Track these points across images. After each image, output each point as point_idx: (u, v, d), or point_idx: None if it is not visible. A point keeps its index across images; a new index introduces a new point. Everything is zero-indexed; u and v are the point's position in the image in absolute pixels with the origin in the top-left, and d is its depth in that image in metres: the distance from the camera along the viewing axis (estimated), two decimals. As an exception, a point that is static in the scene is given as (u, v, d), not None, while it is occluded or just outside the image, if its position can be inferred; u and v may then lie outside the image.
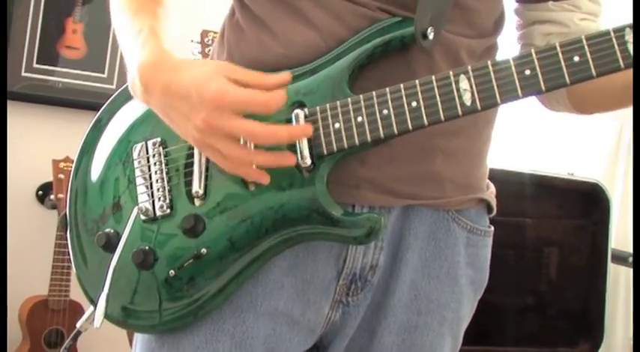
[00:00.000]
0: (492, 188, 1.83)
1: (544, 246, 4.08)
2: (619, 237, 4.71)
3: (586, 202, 4.13)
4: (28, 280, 3.70)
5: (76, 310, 3.65)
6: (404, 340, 1.71)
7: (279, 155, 1.49)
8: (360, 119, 1.50)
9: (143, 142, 1.64)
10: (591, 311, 4.11)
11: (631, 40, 1.41)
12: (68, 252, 1.72)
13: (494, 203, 1.81)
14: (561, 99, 1.79)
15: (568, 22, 1.79)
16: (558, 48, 1.44)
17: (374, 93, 1.50)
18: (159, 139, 1.61)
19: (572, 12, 1.79)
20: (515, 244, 3.95)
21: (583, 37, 1.43)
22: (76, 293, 3.64)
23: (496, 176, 1.85)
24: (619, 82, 1.56)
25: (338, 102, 1.52)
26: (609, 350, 4.45)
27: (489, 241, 1.82)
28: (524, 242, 4.01)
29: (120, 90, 1.73)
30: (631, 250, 4.60)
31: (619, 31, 1.41)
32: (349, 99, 1.52)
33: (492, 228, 1.83)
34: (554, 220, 4.09)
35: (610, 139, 5.02)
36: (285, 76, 1.51)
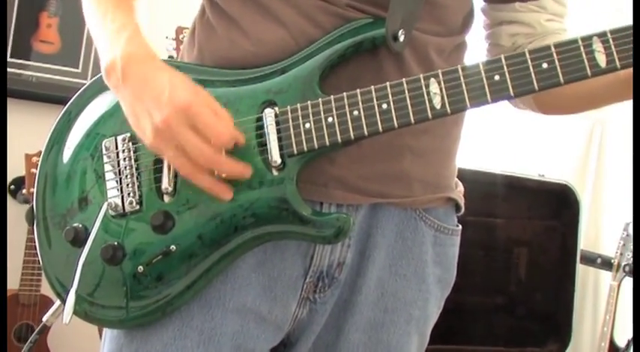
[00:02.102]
0: (461, 187, 1.84)
1: (514, 246, 4.10)
2: (588, 239, 4.74)
3: (556, 203, 4.15)
4: (-1, 274, 3.70)
5: (47, 304, 3.64)
6: (370, 337, 1.72)
7: (214, 185, 1.51)
8: (330, 120, 1.52)
9: (113, 137, 1.63)
10: (560, 312, 4.13)
11: (598, 48, 1.44)
12: (37, 246, 1.72)
13: (462, 202, 1.82)
14: (526, 100, 1.80)
15: (534, 23, 1.81)
16: (527, 54, 1.47)
17: (345, 94, 1.51)
18: (128, 135, 1.61)
19: (539, 13, 1.81)
20: (485, 244, 3.96)
21: (552, 44, 1.47)
22: (47, 288, 3.63)
23: (467, 176, 1.86)
24: (585, 87, 1.58)
25: (309, 103, 1.53)
26: (576, 349, 4.48)
27: (457, 240, 1.83)
28: (495, 242, 4.02)
29: (89, 82, 1.73)
30: (599, 251, 4.63)
31: (587, 40, 1.45)
32: (320, 100, 1.53)
33: (460, 227, 1.83)
34: (524, 221, 4.11)
35: (580, 141, 5.04)
36: (240, 139, 1.52)
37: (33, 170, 3.64)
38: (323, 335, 1.72)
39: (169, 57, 3.57)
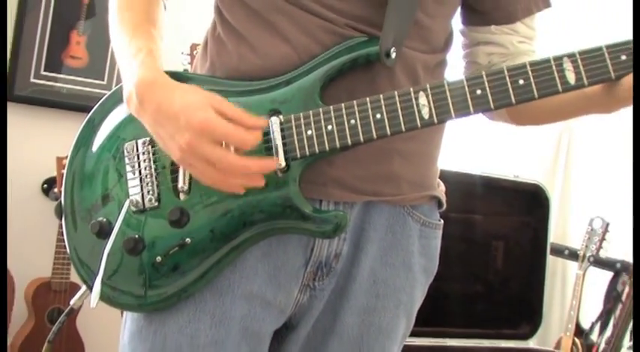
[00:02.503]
0: (442, 186, 1.84)
1: (491, 239, 4.10)
2: (557, 232, 4.74)
3: (529, 201, 4.15)
4: (34, 263, 3.70)
5: (76, 291, 3.61)
6: (363, 320, 1.72)
7: (250, 180, 1.50)
8: (330, 127, 1.53)
9: (133, 140, 1.63)
10: (532, 298, 4.12)
11: (568, 68, 1.48)
12: (67, 237, 1.72)
13: (444, 199, 1.83)
14: (500, 113, 1.80)
15: (508, 44, 1.82)
16: (506, 72, 1.50)
17: (343, 105, 1.53)
18: (148, 139, 1.60)
19: (512, 35, 1.82)
20: (466, 238, 3.96)
21: (527, 63, 1.49)
22: (76, 276, 3.63)
23: (449, 177, 1.87)
24: (555, 101, 1.58)
25: (310, 112, 1.54)
26: (546, 331, 4.48)
27: (439, 233, 1.83)
28: (474, 236, 4.02)
29: (110, 92, 1.73)
30: (567, 244, 4.63)
31: (558, 60, 1.49)
32: (320, 110, 1.54)
33: (442, 221, 1.84)
34: (501, 217, 4.11)
35: (550, 146, 5.04)
36: (263, 121, 1.52)
37: (63, 171, 3.62)
38: (321, 318, 1.72)
39: (184, 70, 3.57)
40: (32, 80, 3.83)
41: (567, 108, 1.69)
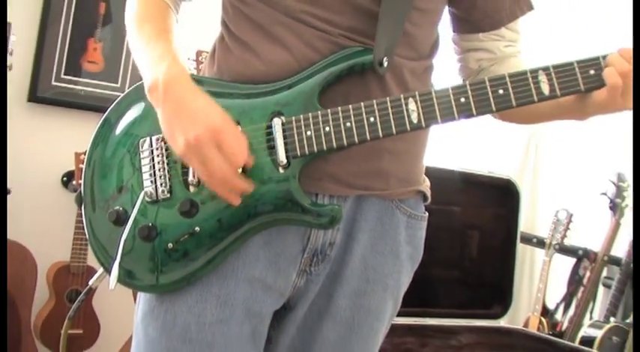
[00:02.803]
0: (427, 182, 1.84)
1: (467, 229, 4.09)
2: (526, 223, 4.75)
3: (501, 195, 4.14)
4: (54, 249, 3.69)
5: (92, 274, 3.62)
6: (355, 302, 1.72)
7: (227, 194, 1.52)
8: (327, 129, 1.54)
9: (148, 137, 1.63)
10: (503, 281, 4.12)
11: (543, 80, 1.51)
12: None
13: (429, 194, 1.83)
14: None
15: (495, 49, 1.83)
16: (487, 82, 1.52)
17: (339, 108, 1.54)
18: (161, 135, 1.59)
19: (498, 41, 1.83)
20: (445, 227, 3.96)
21: (507, 74, 1.52)
22: (93, 260, 3.62)
23: (432, 173, 1.86)
24: (533, 108, 1.59)
25: (310, 114, 1.55)
26: (515, 311, 4.50)
27: (424, 224, 1.83)
28: (452, 226, 4.02)
29: (124, 93, 1.73)
30: (535, 233, 4.64)
31: (534, 72, 1.52)
32: (319, 112, 1.55)
33: (427, 213, 1.84)
34: (476, 209, 4.11)
35: (521, 144, 5.05)
36: (250, 162, 1.54)
37: (81, 165, 3.63)
38: (317, 300, 1.72)
39: (190, 75, 3.56)
40: (54, 83, 3.82)
41: (545, 114, 1.72)
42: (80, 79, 3.89)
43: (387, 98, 1.54)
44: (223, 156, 1.47)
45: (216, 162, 1.47)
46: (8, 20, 3.33)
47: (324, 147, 1.54)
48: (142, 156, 1.63)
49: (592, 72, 1.52)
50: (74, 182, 3.73)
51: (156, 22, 1.70)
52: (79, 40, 3.87)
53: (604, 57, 1.53)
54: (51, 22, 3.80)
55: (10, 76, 3.38)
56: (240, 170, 1.52)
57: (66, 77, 3.86)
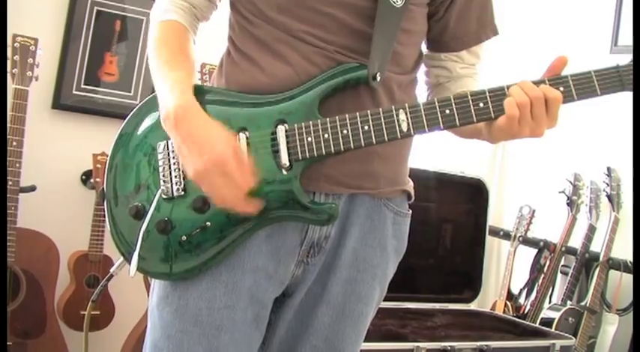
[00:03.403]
0: (411, 182, 1.84)
1: (442, 223, 4.10)
2: (494, 217, 4.75)
3: (472, 192, 4.15)
4: (74, 239, 3.67)
5: (108, 262, 3.63)
6: (346, 290, 1.73)
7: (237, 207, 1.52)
8: (326, 136, 1.54)
9: (164, 140, 1.62)
10: (473, 270, 4.13)
11: (482, 104, 1.53)
12: (103, 220, 1.71)
13: (412, 193, 1.83)
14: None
15: (452, 69, 1.84)
16: (469, 96, 1.54)
17: (337, 117, 1.54)
18: None
19: (456, 62, 1.83)
20: (422, 221, 3.96)
21: (487, 90, 1.55)
22: (108, 250, 3.63)
23: (411, 173, 1.87)
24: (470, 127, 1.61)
25: (311, 122, 1.55)
26: (484, 296, 4.50)
27: (408, 220, 1.84)
28: (429, 220, 4.03)
29: (142, 102, 1.72)
30: (502, 227, 4.65)
31: (475, 95, 1.54)
32: (319, 121, 1.55)
33: (411, 211, 1.84)
34: (450, 205, 4.11)
35: (490, 147, 5.05)
36: (252, 186, 1.53)
37: (98, 165, 3.64)
38: (312, 288, 1.72)
39: (198, 85, 3.55)
40: (74, 92, 3.81)
41: (475, 134, 1.69)
42: (98, 89, 3.88)
43: (380, 109, 1.55)
44: (230, 183, 1.48)
45: (224, 189, 1.48)
46: (36, 36, 3.35)
47: (323, 152, 1.54)
48: (159, 157, 1.62)
49: (481, 105, 1.53)
50: (92, 180, 3.73)
51: (173, 46, 1.69)
52: (97, 54, 3.86)
53: (508, 87, 1.53)
54: (73, 38, 3.78)
55: (36, 85, 3.38)
56: None
57: (86, 87, 3.84)
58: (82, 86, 3.84)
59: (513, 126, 1.51)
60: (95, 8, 3.83)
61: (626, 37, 4.31)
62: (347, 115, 1.54)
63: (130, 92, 3.95)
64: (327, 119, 1.55)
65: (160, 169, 1.62)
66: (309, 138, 1.55)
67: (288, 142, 1.55)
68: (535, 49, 4.69)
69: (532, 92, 1.50)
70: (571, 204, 4.24)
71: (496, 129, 1.56)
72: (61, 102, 3.80)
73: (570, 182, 4.25)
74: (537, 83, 1.53)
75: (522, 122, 1.51)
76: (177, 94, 1.56)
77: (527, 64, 4.39)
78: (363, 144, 1.54)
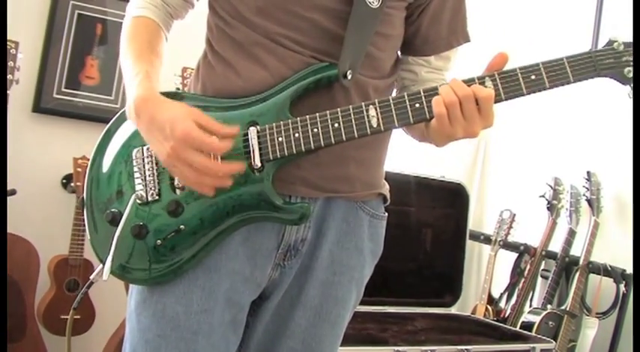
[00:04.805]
0: (387, 185, 1.85)
1: (422, 227, 4.10)
2: (475, 221, 4.77)
3: (452, 196, 4.16)
4: (55, 243, 3.66)
5: (88, 266, 3.63)
6: (323, 292, 1.73)
7: (220, 181, 1.51)
8: (297, 135, 1.54)
9: (141, 147, 1.63)
10: (454, 274, 4.14)
11: (418, 104, 1.53)
12: (83, 224, 1.72)
13: (388, 196, 1.84)
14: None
15: (418, 72, 1.83)
16: (439, 89, 1.51)
17: (307, 116, 1.55)
18: None
19: (423, 66, 1.83)
20: (402, 225, 3.97)
21: (421, 90, 1.54)
22: (88, 254, 3.62)
23: (390, 177, 1.87)
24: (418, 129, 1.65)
25: (281, 122, 1.56)
26: (464, 300, 4.49)
27: (384, 223, 1.84)
28: (409, 224, 4.03)
29: (124, 109, 1.72)
30: (482, 231, 4.67)
31: (412, 95, 1.53)
32: (289, 121, 1.56)
33: (387, 213, 1.85)
34: (429, 209, 4.12)
35: (470, 152, 5.07)
36: (234, 129, 1.54)
37: (78, 169, 3.63)
38: (289, 290, 1.73)
39: (177, 89, 3.56)
40: (55, 95, 3.80)
41: (424, 136, 1.69)
42: (79, 92, 3.87)
43: (350, 106, 1.55)
44: (201, 155, 1.47)
45: (198, 160, 1.47)
46: (17, 39, 3.34)
47: (294, 151, 1.55)
48: (134, 163, 1.63)
49: (417, 105, 1.53)
50: (72, 184, 3.72)
51: (142, 40, 1.71)
52: (78, 57, 3.85)
53: (440, 86, 1.52)
54: (53, 41, 3.78)
55: (17, 89, 3.37)
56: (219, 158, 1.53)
57: (66, 90, 3.83)
58: (63, 90, 3.83)
59: (444, 125, 1.50)
60: (76, 11, 3.82)
61: (607, 38, 4.33)
62: (317, 114, 1.55)
63: (110, 96, 3.94)
64: (298, 118, 1.56)
65: (136, 175, 1.63)
66: (280, 138, 1.55)
67: (259, 143, 1.56)
68: (514, 49, 4.70)
69: (461, 91, 1.48)
70: (551, 208, 4.25)
71: (431, 130, 1.56)
72: (42, 106, 3.79)
73: (550, 186, 4.26)
74: (468, 82, 1.51)
75: (454, 122, 1.50)
76: (136, 86, 1.57)
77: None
78: (333, 141, 1.54)
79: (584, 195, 4.13)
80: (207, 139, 1.47)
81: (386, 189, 1.84)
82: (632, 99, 1.54)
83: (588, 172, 4.13)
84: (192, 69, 3.71)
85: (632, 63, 1.51)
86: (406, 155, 4.47)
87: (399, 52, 1.84)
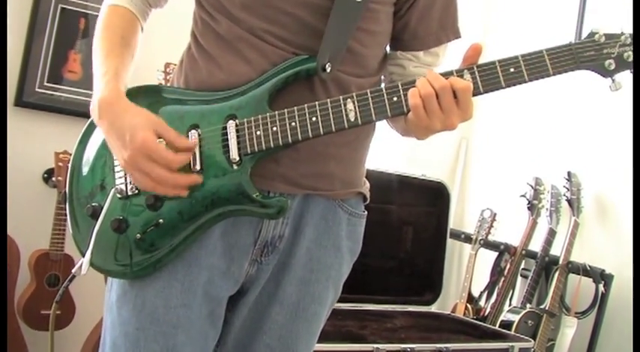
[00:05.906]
0: (367, 184, 1.86)
1: (403, 225, 4.11)
2: (456, 220, 4.79)
3: (433, 195, 4.16)
4: (35, 238, 3.65)
5: (69, 261, 3.62)
6: (300, 290, 1.74)
7: (175, 190, 1.53)
8: (275, 129, 1.55)
9: None
10: (434, 272, 4.14)
11: (396, 97, 1.53)
12: (64, 218, 1.72)
13: (368, 195, 1.85)
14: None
15: (406, 66, 1.82)
16: (384, 90, 1.54)
17: (286, 110, 1.55)
18: None
19: (411, 61, 1.82)
20: (383, 223, 3.98)
21: (399, 83, 1.54)
22: (69, 249, 3.62)
23: (371, 175, 1.88)
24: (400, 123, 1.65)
25: (259, 116, 1.56)
26: (445, 298, 4.53)
27: (363, 221, 1.85)
28: (390, 222, 4.03)
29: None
30: (463, 230, 4.68)
31: (390, 88, 1.54)
32: (267, 114, 1.56)
33: (366, 212, 1.85)
34: (411, 207, 4.12)
35: (451, 150, 5.08)
36: (191, 144, 1.56)
37: (60, 163, 3.61)
38: (266, 286, 1.74)
39: (159, 83, 3.55)
40: (37, 89, 3.79)
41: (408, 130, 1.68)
42: (61, 87, 3.85)
43: (328, 100, 1.55)
44: (157, 166, 1.49)
45: (154, 171, 1.49)
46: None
47: (272, 145, 1.55)
48: (115, 157, 1.63)
49: (395, 98, 1.53)
50: (54, 178, 3.71)
51: (115, 31, 1.72)
52: (60, 51, 3.84)
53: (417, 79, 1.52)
54: (36, 34, 3.76)
55: (-2, 82, 3.37)
56: (198, 167, 1.56)
57: (48, 84, 3.82)
58: (45, 84, 3.82)
59: (421, 117, 1.50)
60: (59, 5, 3.80)
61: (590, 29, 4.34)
62: (295, 108, 1.55)
63: (93, 90, 3.93)
64: (276, 112, 1.56)
65: (116, 168, 1.64)
66: (258, 132, 1.56)
67: (238, 137, 1.57)
68: (498, 44, 4.72)
69: (437, 83, 1.48)
70: (532, 208, 4.27)
71: (409, 122, 1.57)
72: (24, 100, 3.78)
73: (531, 186, 4.29)
74: (446, 75, 1.51)
75: (430, 114, 1.49)
76: (102, 86, 1.59)
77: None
78: (310, 135, 1.54)
79: (564, 195, 4.16)
80: (164, 152, 1.49)
81: (366, 188, 1.84)
82: (632, 99, 1.55)
83: (569, 172, 4.16)
84: (175, 65, 3.72)
85: (612, 55, 1.51)
86: (388, 153, 4.49)
87: (387, 49, 1.84)
